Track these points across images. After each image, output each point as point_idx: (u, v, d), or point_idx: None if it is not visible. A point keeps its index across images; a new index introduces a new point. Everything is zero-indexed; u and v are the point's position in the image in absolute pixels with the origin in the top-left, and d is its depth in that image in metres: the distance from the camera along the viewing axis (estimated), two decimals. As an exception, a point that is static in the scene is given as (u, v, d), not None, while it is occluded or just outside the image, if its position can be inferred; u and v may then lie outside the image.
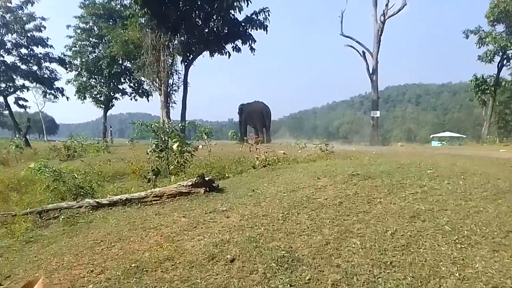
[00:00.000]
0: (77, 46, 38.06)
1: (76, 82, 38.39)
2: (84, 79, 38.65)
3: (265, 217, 4.22)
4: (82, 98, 39.43)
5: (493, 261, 3.17)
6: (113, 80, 39.73)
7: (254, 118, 22.61)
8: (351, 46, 26.30)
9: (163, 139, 10.18)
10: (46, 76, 28.77)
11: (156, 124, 9.78)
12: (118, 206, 5.66)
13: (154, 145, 7.60)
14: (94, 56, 38.23)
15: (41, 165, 6.65)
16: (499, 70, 29.61)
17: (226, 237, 3.76)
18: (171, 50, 20.23)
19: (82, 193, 6.78)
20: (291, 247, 3.49)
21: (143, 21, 20.33)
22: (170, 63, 20.38)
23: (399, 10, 24.66)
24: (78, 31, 38.18)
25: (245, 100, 24.96)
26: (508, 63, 29.71)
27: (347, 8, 28.44)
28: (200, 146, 19.89)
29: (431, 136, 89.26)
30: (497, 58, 29.09)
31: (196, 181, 5.61)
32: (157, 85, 20.91)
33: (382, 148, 17.56)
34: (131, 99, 41.25)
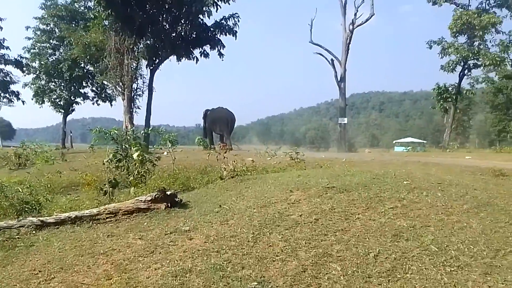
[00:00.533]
0: (36, 48, 36.02)
1: (34, 85, 36.24)
2: (43, 82, 36.56)
3: (233, 239, 3.74)
4: (40, 102, 37.16)
5: (486, 287, 2.86)
6: (74, 84, 37.86)
7: (219, 124, 22.22)
8: (320, 54, 26.49)
9: (123, 146, 9.51)
10: (0, 79, 26.81)
11: (116, 131, 9.05)
12: (66, 225, 4.96)
13: (112, 154, 6.91)
14: (54, 58, 36.31)
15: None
16: (461, 79, 30.72)
17: (188, 264, 3.25)
18: (136, 53, 19.33)
19: (27, 209, 6.01)
20: (263, 276, 3.03)
21: (107, 23, 19.30)
22: (134, 67, 19.46)
23: (367, 19, 25.14)
24: (38, 32, 36.18)
25: (212, 105, 24.40)
26: (469, 73, 31.01)
27: (316, 17, 28.70)
28: (165, 153, 19.18)
29: (394, 141, 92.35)
30: (459, 68, 30.21)
31: (156, 196, 5.04)
32: (120, 89, 19.91)
33: (351, 155, 17.54)
34: (93, 103, 39.45)
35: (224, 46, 22.78)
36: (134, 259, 3.50)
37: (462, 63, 29.58)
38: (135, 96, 20.57)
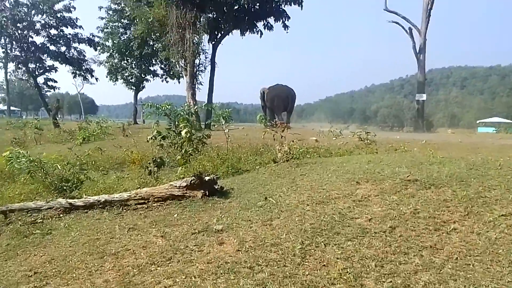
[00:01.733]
0: (108, 27, 37.70)
1: (108, 63, 38.17)
2: (116, 60, 38.35)
3: (274, 248, 2.78)
4: (114, 79, 39.21)
5: None
6: (144, 62, 39.19)
7: (279, 102, 21.08)
8: (396, 23, 23.68)
9: (176, 123, 8.96)
10: (75, 57, 28.34)
11: (168, 106, 8.49)
12: (96, 210, 4.42)
13: (156, 131, 6.28)
14: (125, 37, 37.74)
15: (14, 154, 5.49)
16: None
17: (206, 286, 2.35)
18: (197, 28, 18.81)
19: (66, 187, 5.64)
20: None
21: (170, -1, 18.97)
22: (196, 42, 18.99)
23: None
24: (110, 12, 37.76)
25: (279, 82, 23.27)
26: None
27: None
28: (226, 130, 18.68)
29: (478, 121, 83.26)
30: None
31: (192, 181, 4.24)
32: (182, 65, 19.67)
33: (430, 136, 15.41)
34: (162, 80, 40.66)
35: (289, 17, 21.44)
36: (145, 267, 2.71)
37: None
38: (197, 72, 20.23)
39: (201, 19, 18.68)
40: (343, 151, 7.70)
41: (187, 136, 6.91)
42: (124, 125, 14.85)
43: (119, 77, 39.09)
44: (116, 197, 4.50)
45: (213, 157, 6.79)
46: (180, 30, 18.59)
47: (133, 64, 39.28)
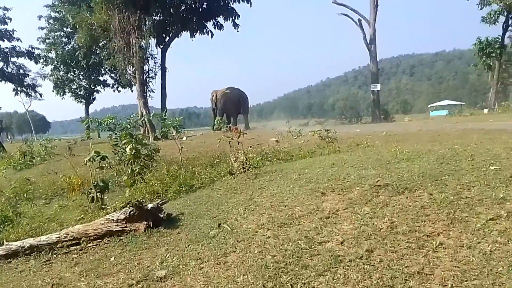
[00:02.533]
0: (50, 37, 35.42)
1: (53, 77, 35.89)
2: (61, 73, 36.14)
3: (230, 299, 2.19)
4: (61, 93, 36.98)
5: None
6: (92, 72, 37.16)
7: (231, 105, 20.78)
8: (345, 15, 23.75)
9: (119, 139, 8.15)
10: (14, 72, 26.17)
11: (110, 120, 7.66)
12: (21, 258, 3.64)
13: (94, 151, 5.47)
14: (69, 47, 35.62)
15: None
16: (505, 31, 27.46)
17: None
18: (143, 31, 17.79)
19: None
20: None
21: (110, 1, 17.76)
22: (143, 47, 17.95)
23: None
24: (51, 21, 35.46)
25: (236, 83, 22.85)
26: (513, 24, 27.55)
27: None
28: (184, 138, 17.82)
29: (429, 106, 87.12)
30: (502, 19, 27.05)
31: (132, 212, 3.56)
32: (130, 72, 18.56)
33: (390, 126, 15.42)
34: (114, 90, 38.80)
35: (238, 16, 20.89)
36: None
37: (505, 13, 26.30)
38: (147, 79, 19.19)
39: (146, 22, 17.68)
40: (304, 153, 7.26)
41: (132, 153, 6.15)
42: (69, 144, 13.58)
43: (66, 90, 36.95)
44: (43, 241, 3.73)
45: (163, 175, 6.08)
46: (124, 35, 17.49)
47: (80, 76, 37.28)
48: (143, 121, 18.84)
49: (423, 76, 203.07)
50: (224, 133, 14.47)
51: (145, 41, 17.92)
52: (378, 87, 23.67)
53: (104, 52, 19.57)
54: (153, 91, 20.01)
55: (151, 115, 8.99)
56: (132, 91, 34.88)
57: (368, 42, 23.28)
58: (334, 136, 8.41)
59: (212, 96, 22.20)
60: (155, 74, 19.92)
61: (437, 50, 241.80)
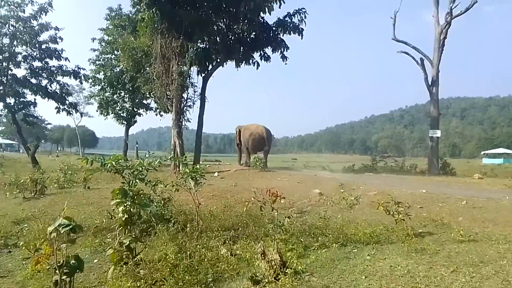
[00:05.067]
0: (100, 59, 36.10)
1: (98, 97, 36.28)
2: (107, 94, 36.47)
3: None
4: (105, 114, 37.20)
5: None
6: (137, 95, 37.21)
7: (254, 143, 19.91)
8: (405, 53, 21.69)
9: (132, 182, 6.54)
10: (57, 91, 26.29)
11: (114, 162, 6.07)
12: None
13: (61, 219, 3.79)
14: (117, 70, 36.04)
15: None
16: None
17: None
18: (184, 59, 16.77)
19: None
20: None
21: (155, 26, 17.06)
22: (183, 75, 16.87)
23: (468, 8, 19.83)
24: (103, 43, 36.26)
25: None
26: None
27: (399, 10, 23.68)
28: (216, 174, 16.09)
29: (482, 152, 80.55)
30: None
31: None
32: (165, 100, 17.48)
33: (456, 184, 12.76)
34: (156, 114, 38.52)
35: (288, 48, 19.44)
36: None
37: None
38: (184, 108, 18.02)
39: (189, 49, 16.65)
40: (363, 232, 5.19)
41: (124, 218, 4.43)
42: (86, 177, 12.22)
43: (110, 111, 37.15)
44: None
45: (162, 255, 4.24)
46: (164, 61, 16.53)
47: (125, 98, 37.42)
48: (173, 155, 17.57)
49: (474, 120, 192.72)
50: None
51: (185, 69, 16.84)
52: (438, 133, 20.95)
53: (143, 78, 18.70)
54: (189, 121, 18.81)
55: (170, 158, 7.30)
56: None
57: (430, 83, 20.87)
58: (402, 207, 6.27)
59: (236, 131, 21.93)
60: (194, 103, 18.75)
61: (490, 95, 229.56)
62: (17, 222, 8.00)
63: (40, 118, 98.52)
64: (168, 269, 3.91)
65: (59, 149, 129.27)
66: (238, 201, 9.19)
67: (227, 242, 5.36)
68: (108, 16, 35.06)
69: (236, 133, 22.08)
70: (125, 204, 4.53)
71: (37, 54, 25.34)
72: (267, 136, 20.07)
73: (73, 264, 3.90)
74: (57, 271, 3.82)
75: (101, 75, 35.66)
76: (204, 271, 3.87)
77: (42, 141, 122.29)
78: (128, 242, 4.46)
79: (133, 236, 4.52)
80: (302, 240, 4.85)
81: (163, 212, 6.84)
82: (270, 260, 3.49)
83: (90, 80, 35.28)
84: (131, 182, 6.43)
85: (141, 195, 5.25)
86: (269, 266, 3.46)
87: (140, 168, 6.61)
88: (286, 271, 3.47)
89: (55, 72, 25.93)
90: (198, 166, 6.42)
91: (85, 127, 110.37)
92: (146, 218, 4.85)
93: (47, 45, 25.94)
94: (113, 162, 6.24)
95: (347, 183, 12.00)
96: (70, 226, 3.86)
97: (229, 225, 6.25)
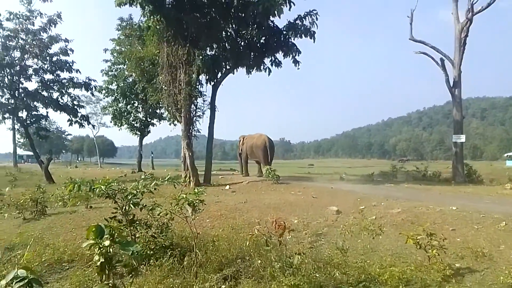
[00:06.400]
0: (113, 70, 36.05)
1: (111, 108, 36.21)
2: (120, 104, 36.35)
3: None
4: (119, 124, 37.07)
5: None
6: (151, 105, 36.94)
7: (257, 152, 19.84)
8: (423, 53, 20.55)
9: (124, 208, 5.87)
10: (69, 103, 26.12)
11: (103, 187, 5.38)
12: None
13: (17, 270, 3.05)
14: (130, 80, 35.92)
15: None
16: None
17: None
18: (193, 67, 16.14)
19: None
20: None
21: (160, 34, 16.51)
22: (191, 83, 16.23)
23: (489, 4, 18.61)
24: (115, 54, 36.21)
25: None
26: None
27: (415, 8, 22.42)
28: (227, 187, 15.28)
29: (506, 155, 77.20)
30: None
31: None
32: (174, 110, 16.86)
33: (488, 196, 11.62)
34: (169, 124, 38.17)
35: (300, 52, 18.62)
36: None
37: None
38: (194, 118, 17.39)
39: (195, 57, 16.02)
40: (389, 273, 4.28)
41: (100, 262, 3.68)
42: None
43: (123, 121, 36.99)
44: None
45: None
46: (171, 70, 15.95)
47: (138, 108, 37.22)
48: (186, 165, 16.92)
49: (495, 121, 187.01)
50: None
51: (193, 78, 16.20)
52: (463, 138, 19.63)
53: (151, 88, 18.18)
54: (199, 131, 18.15)
55: (167, 178, 6.56)
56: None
57: (452, 85, 19.62)
58: (435, 239, 5.29)
59: (240, 141, 21.92)
60: (203, 113, 18.11)
61: (511, 94, 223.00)
62: (11, 248, 7.39)
63: (60, 129, 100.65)
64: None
65: (79, 159, 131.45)
66: (247, 222, 8.40)
67: (227, 282, 4.58)
68: (119, 27, 35.06)
69: (239, 143, 22.06)
70: (100, 246, 3.78)
71: (48, 67, 25.30)
72: (270, 145, 19.75)
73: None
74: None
75: (114, 86, 35.61)
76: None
77: (63, 151, 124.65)
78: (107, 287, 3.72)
79: (110, 285, 3.76)
80: (314, 281, 4.02)
81: (162, 238, 6.22)
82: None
83: (104, 91, 35.29)
84: (124, 207, 5.80)
85: (122, 232, 4.50)
86: None
87: (135, 192, 5.94)
88: None
89: (66, 84, 25.83)
90: (196, 190, 5.64)
91: (104, 137, 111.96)
92: (127, 262, 4.08)
93: (58, 57, 25.92)
94: (103, 187, 5.55)
95: (367, 197, 11.02)
96: (26, 281, 3.13)
97: (233, 257, 5.45)
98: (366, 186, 14.76)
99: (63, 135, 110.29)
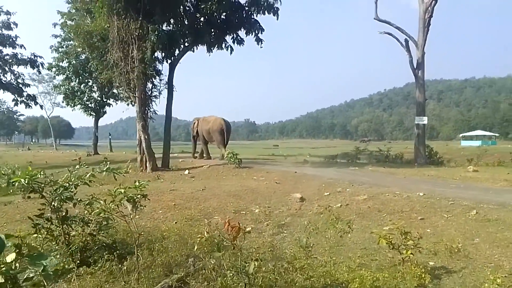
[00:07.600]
0: (63, 46, 33.32)
1: (63, 87, 33.66)
2: (73, 83, 33.86)
3: None
4: (72, 105, 34.65)
5: None
6: (107, 84, 34.66)
7: (214, 135, 19.50)
8: (388, 33, 20.27)
9: (55, 205, 4.94)
10: (12, 81, 23.80)
11: (26, 178, 4.41)
12: None
13: None
14: (83, 57, 33.41)
15: None
16: None
17: None
18: (146, 43, 14.83)
19: None
20: None
21: (110, 6, 14.95)
22: (144, 61, 14.94)
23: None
24: (65, 29, 33.40)
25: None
26: None
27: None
28: (186, 172, 14.44)
29: (461, 135, 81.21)
30: None
31: None
32: (126, 90, 15.58)
33: (459, 182, 11.40)
34: (128, 104, 36.18)
35: (263, 30, 17.69)
36: None
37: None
38: (149, 99, 16.18)
39: (150, 32, 14.69)
40: (358, 274, 3.72)
41: (1, 274, 2.83)
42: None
43: (76, 101, 34.59)
44: None
45: None
46: (123, 46, 14.58)
47: (93, 87, 34.88)
48: (141, 148, 15.82)
49: (451, 103, 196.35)
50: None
51: (147, 55, 14.91)
52: (425, 120, 19.78)
53: (101, 66, 16.67)
54: (156, 112, 16.98)
55: (101, 169, 5.68)
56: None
57: (415, 66, 19.59)
58: (410, 238, 4.77)
59: (194, 123, 21.52)
60: (160, 93, 16.91)
61: (466, 77, 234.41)
62: None
63: (10, 109, 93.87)
64: None
65: (33, 141, 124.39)
66: (204, 212, 7.66)
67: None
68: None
69: (193, 125, 21.61)
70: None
71: (-14, 42, 22.81)
72: (227, 128, 19.38)
73: None
74: None
75: (65, 63, 33.00)
76: None
77: (16, 133, 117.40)
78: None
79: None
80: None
81: (102, 235, 5.40)
82: None
83: (54, 69, 32.67)
84: (53, 202, 4.87)
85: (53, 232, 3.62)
86: None
87: (67, 184, 5.01)
88: None
89: (9, 61, 23.45)
90: (137, 183, 4.78)
91: (60, 118, 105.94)
92: (37, 280, 3.23)
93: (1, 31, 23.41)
94: (24, 180, 4.54)
95: (331, 182, 10.59)
96: None
97: (182, 260, 4.72)
98: (331, 170, 14.40)
99: (15, 116, 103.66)
